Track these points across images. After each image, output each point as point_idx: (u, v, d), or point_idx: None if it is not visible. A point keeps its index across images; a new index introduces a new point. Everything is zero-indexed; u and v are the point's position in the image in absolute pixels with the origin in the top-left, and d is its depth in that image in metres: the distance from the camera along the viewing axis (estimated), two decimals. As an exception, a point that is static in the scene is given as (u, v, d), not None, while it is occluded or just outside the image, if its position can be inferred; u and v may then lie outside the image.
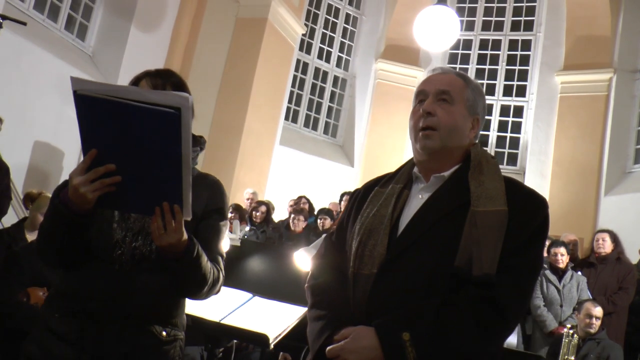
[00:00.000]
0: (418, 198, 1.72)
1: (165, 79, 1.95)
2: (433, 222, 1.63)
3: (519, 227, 1.58)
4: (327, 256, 1.87)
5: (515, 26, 11.67)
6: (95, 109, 1.52)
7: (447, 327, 1.50)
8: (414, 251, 1.61)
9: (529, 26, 11.52)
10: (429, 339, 1.50)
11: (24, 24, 5.46)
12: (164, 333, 1.90)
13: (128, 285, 1.82)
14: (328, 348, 1.60)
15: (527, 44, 11.45)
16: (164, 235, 1.66)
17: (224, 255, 2.04)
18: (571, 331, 4.99)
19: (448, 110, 1.72)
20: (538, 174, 10.35)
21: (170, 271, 1.79)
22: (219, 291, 2.00)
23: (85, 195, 1.61)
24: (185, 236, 1.71)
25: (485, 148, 1.87)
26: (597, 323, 5.15)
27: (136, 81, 1.96)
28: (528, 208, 1.63)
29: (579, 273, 6.13)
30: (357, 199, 1.88)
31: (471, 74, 11.66)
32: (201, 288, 1.89)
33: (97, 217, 1.76)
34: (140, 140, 1.54)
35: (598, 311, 5.19)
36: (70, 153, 7.62)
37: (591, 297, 5.81)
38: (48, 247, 1.82)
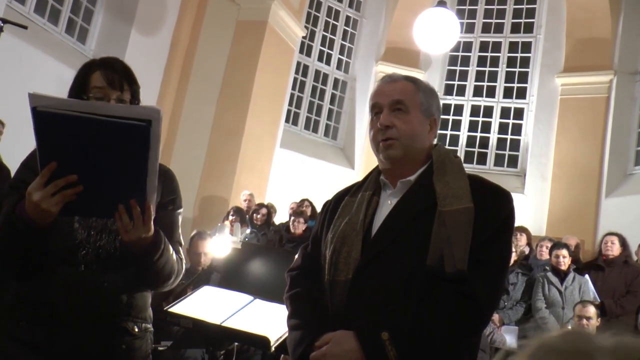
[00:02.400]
0: (387, 204, 1.77)
1: (119, 72, 1.89)
2: (403, 225, 1.68)
3: (486, 221, 1.63)
4: (303, 266, 1.91)
5: (515, 28, 11.67)
6: (57, 125, 1.48)
7: (425, 323, 1.54)
8: (387, 254, 1.65)
9: (529, 28, 11.53)
10: (408, 336, 1.54)
11: (25, 27, 5.45)
12: (136, 328, 1.90)
13: (96, 285, 1.80)
14: (311, 355, 1.63)
15: (527, 46, 11.45)
16: (132, 230, 1.65)
17: (182, 243, 2.05)
18: (573, 333, 4.93)
19: (404, 119, 1.76)
20: (539, 176, 10.34)
21: (138, 265, 1.78)
22: (179, 280, 2.01)
23: (49, 211, 1.56)
24: (153, 230, 1.70)
25: (450, 147, 1.95)
26: (590, 323, 5.07)
27: (86, 72, 1.89)
28: (493, 203, 1.68)
29: (586, 276, 6.09)
30: (329, 209, 1.93)
31: (471, 76, 11.66)
32: (169, 279, 1.91)
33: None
34: (106, 151, 1.51)
35: (588, 311, 5.11)
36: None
37: (598, 299, 5.78)
38: (3, 262, 1.78)
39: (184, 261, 1.99)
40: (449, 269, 1.55)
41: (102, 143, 1.50)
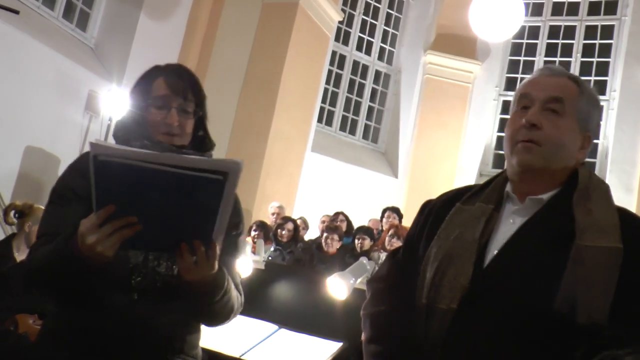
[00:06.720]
0: (509, 222, 1.69)
1: (185, 79, 1.96)
2: (528, 254, 1.59)
3: None
4: (390, 279, 1.84)
5: (593, 9, 11.54)
6: (119, 174, 1.53)
7: None
8: (504, 287, 1.57)
9: (611, 9, 11.37)
10: None
11: (17, 12, 5.58)
12: None
13: (149, 316, 1.84)
14: None
15: (608, 31, 11.30)
16: (194, 269, 1.68)
17: (241, 275, 2.08)
18: None
19: (556, 123, 1.66)
20: (621, 187, 10.17)
21: (197, 303, 1.83)
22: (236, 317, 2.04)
23: (104, 254, 1.60)
24: (216, 268, 1.73)
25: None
26: None
27: (148, 78, 1.96)
28: None
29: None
30: (433, 213, 1.84)
31: (538, 68, 11.52)
32: (227, 318, 1.96)
33: None
34: (174, 200, 1.57)
35: None
36: (67, 160, 7.72)
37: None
38: (51, 290, 1.83)
39: (242, 295, 2.03)
40: (583, 318, 1.46)
41: (170, 193, 1.56)
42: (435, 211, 1.83)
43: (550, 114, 1.67)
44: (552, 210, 1.65)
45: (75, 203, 1.72)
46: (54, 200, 1.91)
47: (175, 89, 1.92)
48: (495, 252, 1.63)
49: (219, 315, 1.91)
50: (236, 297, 1.94)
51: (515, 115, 1.72)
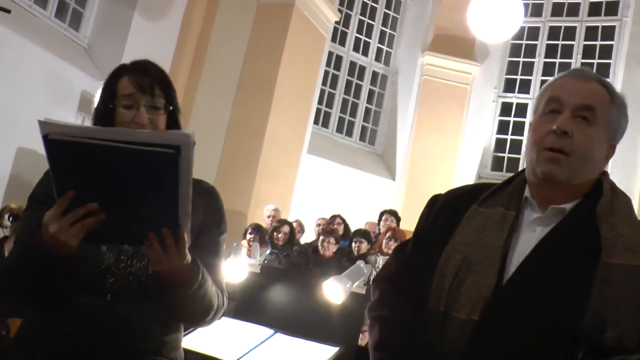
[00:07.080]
0: (530, 231, 1.65)
1: (150, 75, 1.94)
2: (553, 268, 1.55)
3: None
4: (399, 279, 1.79)
5: (594, 10, 11.55)
6: (72, 153, 1.54)
7: None
8: (528, 301, 1.54)
9: (612, 9, 11.39)
10: None
11: (8, 11, 5.58)
12: None
13: (124, 317, 1.83)
14: None
15: (609, 32, 11.32)
16: (164, 259, 1.67)
17: (224, 275, 2.07)
18: None
19: (586, 133, 1.61)
20: (623, 191, 10.16)
21: (172, 299, 1.80)
22: (221, 317, 2.02)
23: (67, 243, 1.60)
24: (189, 258, 1.72)
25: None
26: None
27: (114, 78, 1.96)
28: None
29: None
30: (444, 210, 1.78)
31: (538, 69, 11.55)
32: (207, 315, 1.92)
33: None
34: (130, 179, 1.57)
35: None
36: (61, 162, 7.73)
37: None
38: (20, 292, 1.83)
39: (225, 294, 2.01)
40: (612, 342, 1.44)
41: (125, 171, 1.56)
42: (448, 209, 1.78)
43: (581, 122, 1.62)
44: (575, 221, 1.62)
45: (50, 207, 1.69)
46: (30, 206, 1.93)
47: (141, 86, 1.89)
48: (518, 263, 1.59)
49: (195, 311, 1.88)
50: (216, 294, 1.91)
51: (542, 119, 1.67)
